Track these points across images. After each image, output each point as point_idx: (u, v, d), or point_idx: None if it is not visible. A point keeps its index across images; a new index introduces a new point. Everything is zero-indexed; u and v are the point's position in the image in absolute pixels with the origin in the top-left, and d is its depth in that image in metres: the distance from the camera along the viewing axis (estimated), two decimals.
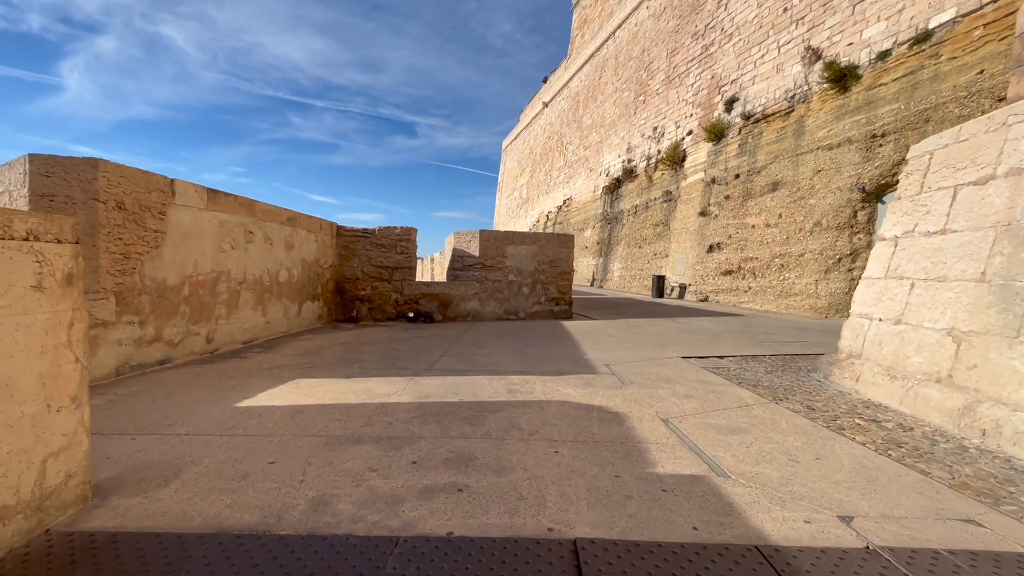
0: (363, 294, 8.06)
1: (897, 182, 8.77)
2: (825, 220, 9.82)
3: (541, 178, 33.34)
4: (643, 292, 16.35)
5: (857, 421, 2.79)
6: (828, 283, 9.58)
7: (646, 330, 6.95)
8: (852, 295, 9.37)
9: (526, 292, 8.67)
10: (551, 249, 8.81)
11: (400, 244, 8.14)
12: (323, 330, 6.68)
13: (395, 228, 8.16)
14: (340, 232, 7.97)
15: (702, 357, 4.87)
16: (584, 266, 22.51)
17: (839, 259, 9.50)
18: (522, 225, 36.92)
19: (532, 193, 35.44)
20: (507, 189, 44.63)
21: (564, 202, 27.44)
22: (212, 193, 4.74)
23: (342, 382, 3.49)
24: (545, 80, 34.48)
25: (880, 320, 3.59)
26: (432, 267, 19.78)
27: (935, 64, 8.16)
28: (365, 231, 8.08)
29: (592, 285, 21.38)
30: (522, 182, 38.86)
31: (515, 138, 42.41)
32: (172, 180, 4.22)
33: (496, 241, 8.52)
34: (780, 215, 11.00)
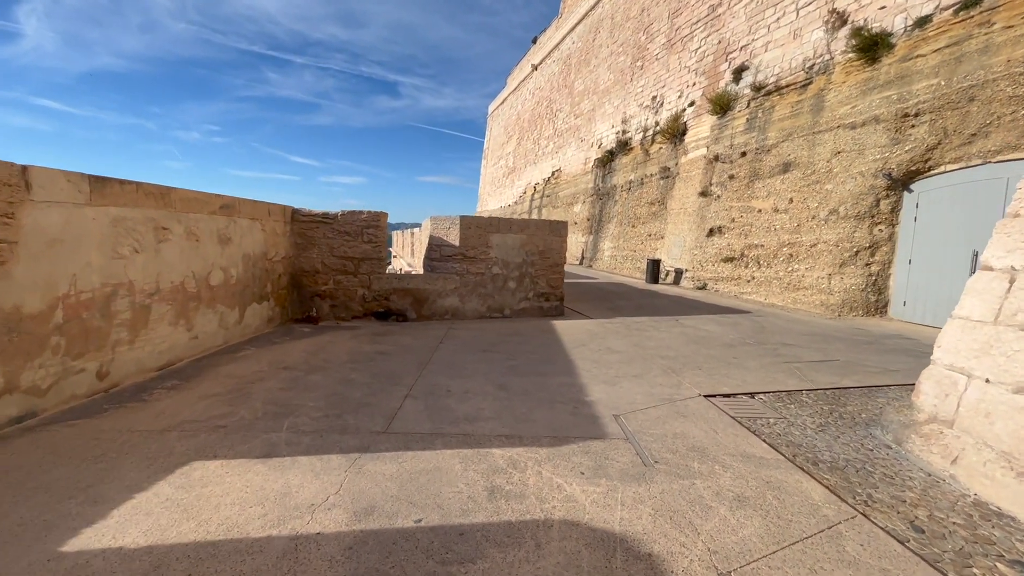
0: (324, 290, 6.95)
1: (931, 168, 7.85)
2: (843, 208, 8.89)
3: (529, 147, 31.71)
4: (635, 275, 15.44)
5: (999, 566, 1.91)
6: (843, 278, 8.75)
7: (650, 339, 6.04)
8: (869, 292, 8.64)
9: (512, 287, 7.65)
10: (542, 238, 7.75)
11: (367, 232, 6.99)
12: (272, 338, 5.62)
13: (361, 212, 6.99)
14: (295, 217, 6.78)
15: (728, 396, 3.97)
16: (573, 243, 21.46)
17: (856, 252, 8.64)
18: (508, 196, 35.46)
19: (519, 162, 33.84)
20: (493, 157, 42.79)
21: (553, 174, 26.07)
22: (98, 182, 3.55)
23: (254, 469, 2.48)
24: (535, 41, 32.36)
25: (988, 382, 2.69)
26: (412, 243, 18.46)
27: (986, 34, 7.10)
28: (325, 216, 6.89)
29: (581, 264, 20.42)
30: (508, 150, 37.10)
31: (502, 103, 40.29)
32: (25, 168, 3.03)
33: (479, 229, 7.41)
34: (791, 200, 10.04)
